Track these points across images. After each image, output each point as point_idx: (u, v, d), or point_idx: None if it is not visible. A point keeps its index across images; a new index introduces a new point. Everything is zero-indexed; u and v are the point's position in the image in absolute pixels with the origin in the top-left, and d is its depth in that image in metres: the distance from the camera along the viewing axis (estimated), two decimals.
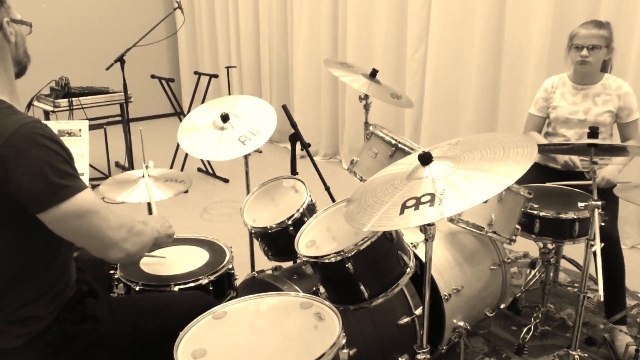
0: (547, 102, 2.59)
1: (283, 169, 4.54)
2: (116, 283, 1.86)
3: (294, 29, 5.19)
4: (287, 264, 2.17)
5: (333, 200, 2.70)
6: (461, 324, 2.00)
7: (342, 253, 1.57)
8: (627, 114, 2.45)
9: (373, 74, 2.74)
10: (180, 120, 2.47)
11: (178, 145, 4.47)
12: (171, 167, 4.65)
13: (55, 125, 2.98)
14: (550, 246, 2.40)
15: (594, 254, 1.80)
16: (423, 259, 1.58)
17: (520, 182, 1.60)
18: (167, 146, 5.15)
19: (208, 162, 4.79)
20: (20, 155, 1.21)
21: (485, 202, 2.00)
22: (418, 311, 1.89)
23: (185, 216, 3.85)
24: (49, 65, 4.86)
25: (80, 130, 2.94)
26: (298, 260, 1.86)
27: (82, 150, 2.91)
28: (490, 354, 2.32)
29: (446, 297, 1.98)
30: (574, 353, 1.97)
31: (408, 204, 1.37)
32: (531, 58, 3.50)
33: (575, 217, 2.16)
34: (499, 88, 3.77)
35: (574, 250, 2.60)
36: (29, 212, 1.24)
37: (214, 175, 4.72)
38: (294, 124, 2.62)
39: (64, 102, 4.24)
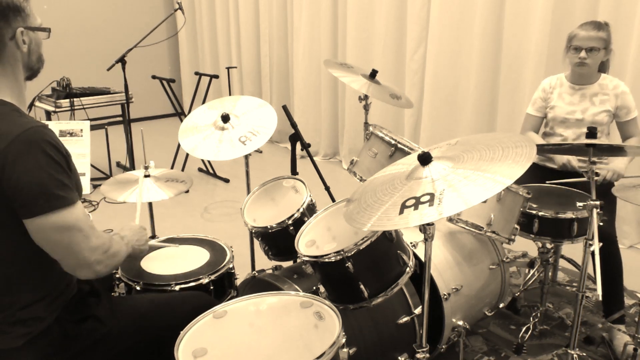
0: (545, 102, 2.60)
1: (283, 169, 4.55)
2: (117, 283, 1.86)
3: (294, 30, 5.20)
4: (287, 264, 2.17)
5: (333, 200, 2.71)
6: (460, 323, 2.00)
7: (342, 252, 1.57)
8: (625, 112, 2.46)
9: (373, 74, 2.75)
10: (181, 121, 2.48)
11: (179, 146, 4.47)
12: (172, 167, 4.66)
13: (56, 125, 3.00)
14: (548, 246, 2.41)
15: (593, 253, 1.80)
16: (422, 259, 1.59)
17: (518, 182, 1.61)
18: (167, 146, 5.16)
19: (209, 162, 4.80)
20: (22, 159, 1.21)
21: (484, 201, 2.01)
22: (417, 310, 1.89)
23: (186, 216, 3.86)
24: (50, 66, 4.78)
25: (81, 130, 2.96)
26: (298, 260, 1.87)
27: (84, 150, 2.92)
28: (489, 353, 2.32)
29: (445, 297, 1.99)
30: (572, 352, 1.97)
31: (407, 203, 1.37)
32: (530, 59, 3.51)
33: (573, 216, 2.17)
34: (498, 88, 3.78)
35: (572, 249, 2.60)
36: (17, 215, 1.23)
37: (214, 175, 4.73)
38: (294, 124, 2.63)
39: (65, 102, 4.25)
